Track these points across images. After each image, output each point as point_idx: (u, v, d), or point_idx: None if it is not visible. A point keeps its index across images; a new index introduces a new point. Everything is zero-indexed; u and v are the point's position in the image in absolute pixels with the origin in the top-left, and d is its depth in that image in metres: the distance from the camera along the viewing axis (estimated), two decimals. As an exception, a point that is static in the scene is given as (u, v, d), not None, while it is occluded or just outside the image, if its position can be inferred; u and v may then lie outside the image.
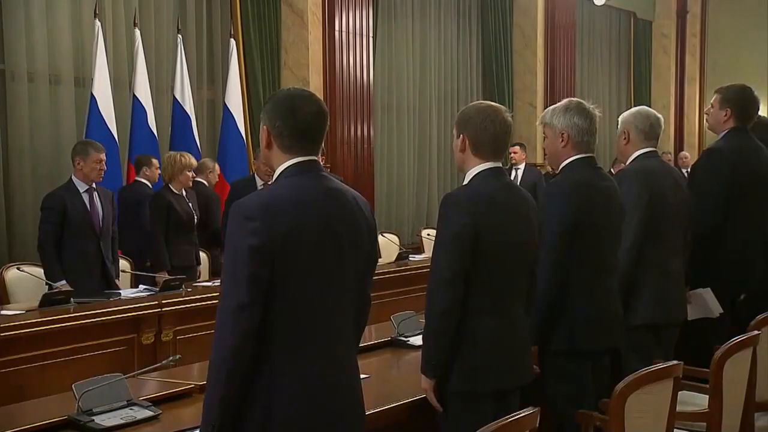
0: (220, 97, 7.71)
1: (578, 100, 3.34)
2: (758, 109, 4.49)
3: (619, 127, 3.94)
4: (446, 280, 2.72)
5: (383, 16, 9.31)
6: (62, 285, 5.12)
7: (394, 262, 6.76)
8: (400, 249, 7.17)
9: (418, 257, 7.03)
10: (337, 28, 8.20)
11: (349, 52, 8.34)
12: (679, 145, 14.37)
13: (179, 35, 7.15)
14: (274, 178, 2.39)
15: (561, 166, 3.30)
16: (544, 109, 12.94)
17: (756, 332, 3.32)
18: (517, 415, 2.13)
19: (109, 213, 5.49)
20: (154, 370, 3.24)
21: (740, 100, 4.43)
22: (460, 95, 10.64)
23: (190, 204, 6.17)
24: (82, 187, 5.36)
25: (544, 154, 11.20)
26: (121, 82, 6.94)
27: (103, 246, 5.42)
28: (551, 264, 3.09)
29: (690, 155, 14.42)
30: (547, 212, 3.11)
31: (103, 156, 5.41)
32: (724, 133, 4.47)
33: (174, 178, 6.01)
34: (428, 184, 10.14)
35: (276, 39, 8.05)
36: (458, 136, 2.89)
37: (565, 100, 3.35)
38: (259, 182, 6.13)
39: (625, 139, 3.87)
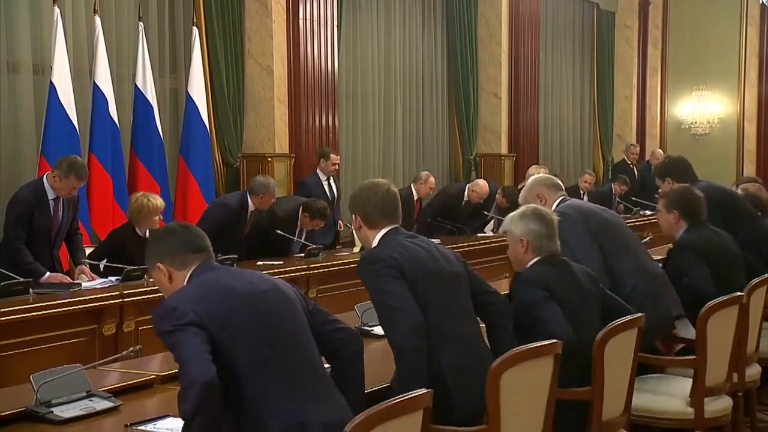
0: (182, 86, 7.62)
1: (534, 206, 3.50)
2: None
3: (529, 194, 4.14)
4: (396, 309, 2.82)
5: (348, 4, 9.26)
6: (48, 277, 5.06)
7: (358, 252, 6.75)
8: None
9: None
10: (301, 16, 8.15)
11: (313, 41, 8.29)
12: (641, 136, 14.52)
13: (140, 23, 7.04)
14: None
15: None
16: (509, 99, 12.95)
17: (739, 293, 3.80)
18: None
19: (67, 220, 5.40)
20: (115, 360, 3.21)
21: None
22: (425, 85, 10.65)
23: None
24: (51, 194, 5.25)
25: (509, 149, 11.31)
26: (82, 71, 6.83)
27: (54, 252, 5.34)
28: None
29: (652, 145, 14.62)
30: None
31: (81, 185, 5.31)
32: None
33: (140, 223, 5.62)
34: (393, 173, 10.13)
35: (239, 27, 7.98)
36: (354, 217, 3.10)
37: (522, 207, 3.51)
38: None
39: (541, 200, 4.05)
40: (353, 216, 3.12)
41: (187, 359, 2.24)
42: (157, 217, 5.69)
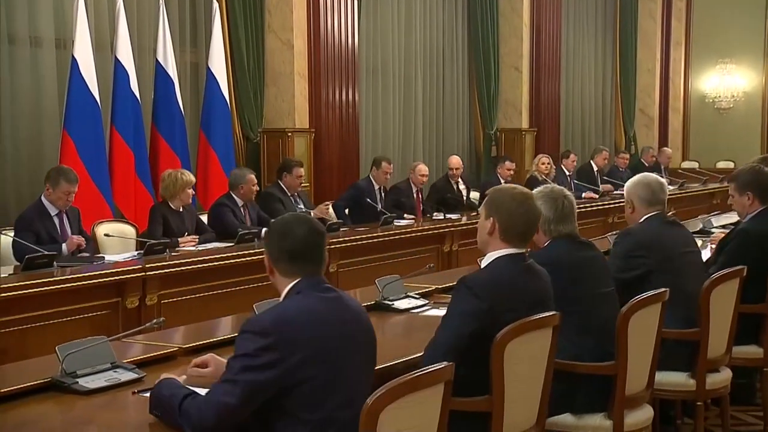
0: (203, 60, 7.63)
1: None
2: None
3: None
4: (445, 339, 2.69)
5: (368, -22, 9.21)
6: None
7: (378, 227, 6.76)
8: (385, 214, 7.17)
9: (402, 222, 7.03)
10: (321, -11, 8.11)
11: (333, 15, 8.25)
12: (663, 110, 14.39)
13: (161, -4, 7.05)
14: None
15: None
16: (530, 72, 12.81)
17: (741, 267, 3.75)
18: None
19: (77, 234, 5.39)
20: (138, 332, 3.24)
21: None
22: (446, 59, 10.59)
23: (186, 221, 5.97)
24: (52, 210, 5.26)
25: (530, 124, 11.23)
26: (103, 45, 6.84)
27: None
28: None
29: (675, 120, 14.47)
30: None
31: (73, 188, 5.26)
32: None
33: (175, 196, 5.89)
34: (413, 147, 10.12)
35: (260, 1, 7.95)
36: (487, 218, 2.83)
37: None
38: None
39: None
40: (486, 214, 2.84)
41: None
42: (190, 191, 6.02)
